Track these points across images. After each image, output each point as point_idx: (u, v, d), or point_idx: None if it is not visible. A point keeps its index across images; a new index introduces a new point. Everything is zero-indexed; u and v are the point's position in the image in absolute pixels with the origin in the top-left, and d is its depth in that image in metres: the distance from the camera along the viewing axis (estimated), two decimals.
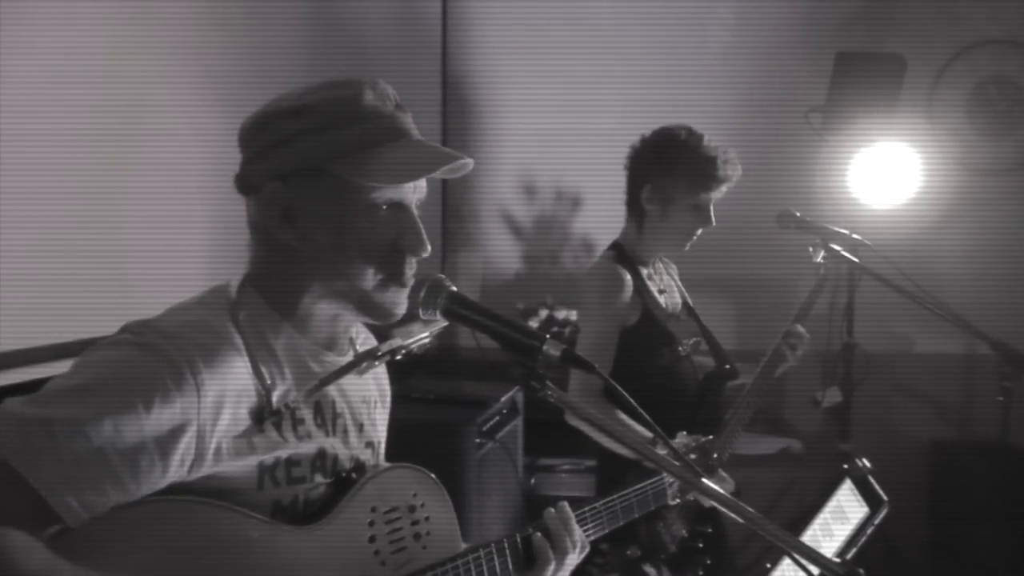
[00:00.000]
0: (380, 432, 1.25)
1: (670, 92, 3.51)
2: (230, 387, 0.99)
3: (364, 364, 1.09)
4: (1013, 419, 2.10)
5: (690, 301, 2.29)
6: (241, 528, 0.99)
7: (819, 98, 3.28)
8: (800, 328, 2.19)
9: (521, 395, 2.81)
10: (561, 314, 3.29)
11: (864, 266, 2.18)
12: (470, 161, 1.08)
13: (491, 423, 2.57)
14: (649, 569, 1.74)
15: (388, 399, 1.30)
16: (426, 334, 1.10)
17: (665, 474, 1.42)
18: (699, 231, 2.11)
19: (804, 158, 3.30)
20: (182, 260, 2.05)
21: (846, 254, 2.19)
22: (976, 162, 3.53)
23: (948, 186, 3.33)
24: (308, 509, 1.07)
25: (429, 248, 1.08)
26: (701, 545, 1.76)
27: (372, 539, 1.10)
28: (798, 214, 2.25)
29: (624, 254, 2.15)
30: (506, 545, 1.19)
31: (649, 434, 1.59)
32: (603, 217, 3.63)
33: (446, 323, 1.10)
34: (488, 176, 3.66)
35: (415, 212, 1.09)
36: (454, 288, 1.07)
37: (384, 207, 1.06)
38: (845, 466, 1.34)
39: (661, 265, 2.26)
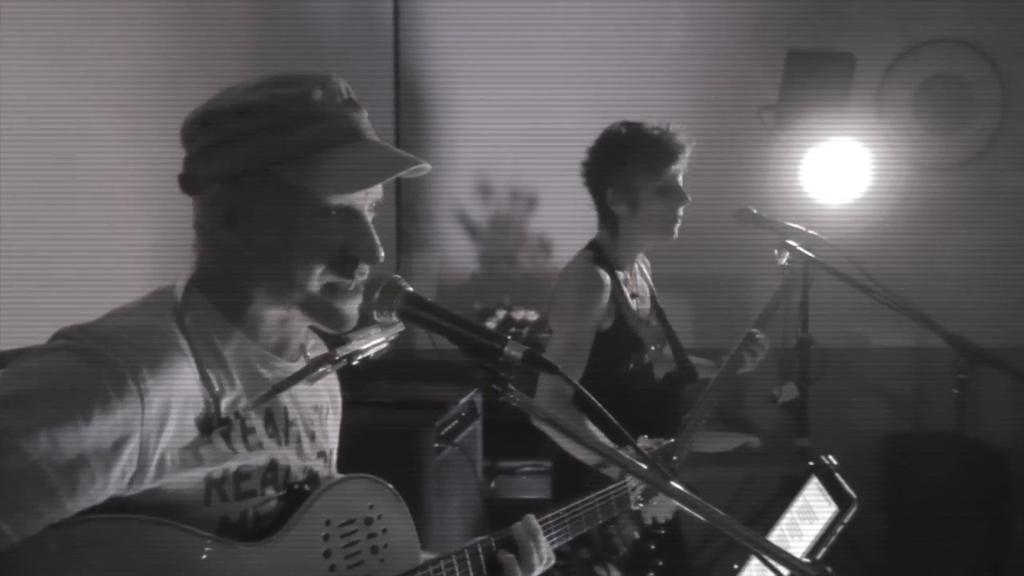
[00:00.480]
0: (332, 441, 1.20)
1: (624, 91, 3.50)
2: (176, 394, 0.93)
3: (320, 370, 1.04)
4: (968, 412, 2.12)
5: (659, 301, 2.27)
6: (187, 547, 0.93)
7: (772, 96, 3.30)
8: (761, 335, 2.18)
9: (480, 397, 2.77)
10: (519, 314, 3.25)
11: (823, 262, 2.18)
12: (426, 165, 1.03)
13: (450, 427, 2.52)
14: (600, 571, 1.72)
15: (339, 406, 1.25)
16: (383, 339, 1.05)
17: (628, 478, 1.40)
18: (680, 211, 2.05)
19: (757, 156, 3.32)
20: (122, 261, 1.98)
21: (803, 250, 2.20)
22: (924, 159, 3.59)
23: (898, 183, 3.38)
24: (259, 524, 1.01)
25: (382, 254, 1.04)
26: (653, 547, 1.74)
27: (327, 554, 1.05)
28: (756, 211, 2.26)
29: (602, 255, 2.09)
30: (467, 556, 1.15)
31: (610, 441, 1.58)
32: (560, 216, 3.63)
33: (403, 327, 1.05)
34: (443, 176, 3.61)
35: (367, 217, 1.04)
36: (410, 289, 1.02)
37: (334, 212, 1.01)
38: (811, 463, 1.33)
39: (636, 267, 2.21)
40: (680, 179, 2.06)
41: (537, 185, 3.63)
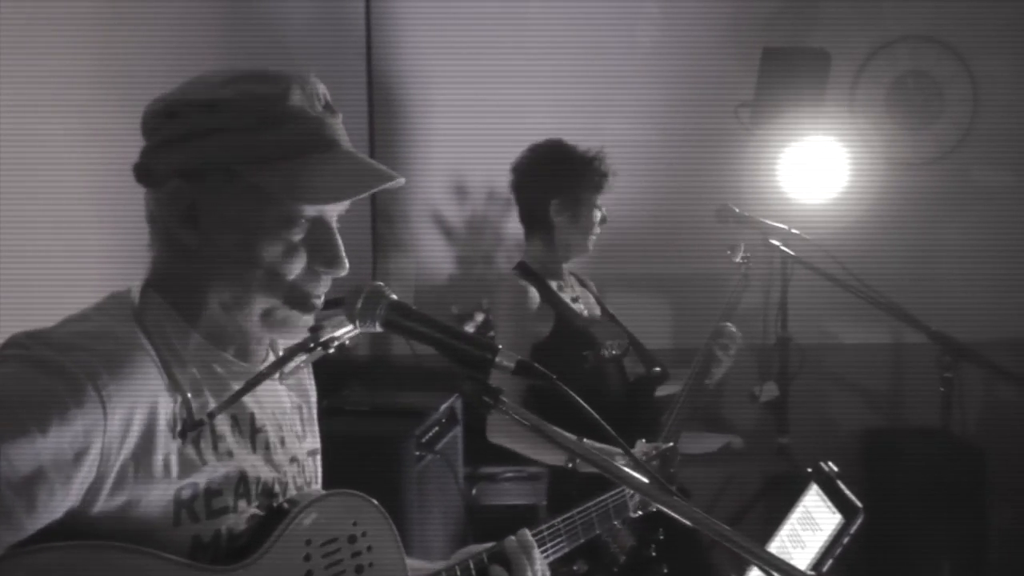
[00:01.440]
0: (310, 442, 1.14)
1: (599, 91, 3.49)
2: (141, 401, 0.88)
3: (294, 362, 0.99)
4: (954, 408, 2.12)
5: (610, 310, 2.30)
6: (158, 574, 0.87)
7: (747, 95, 3.29)
8: (730, 327, 2.16)
9: (460, 403, 2.72)
10: None
11: (805, 261, 2.17)
12: (402, 180, 0.99)
13: (430, 434, 2.47)
14: None
15: (313, 396, 1.18)
16: (355, 329, 0.99)
17: (625, 487, 1.35)
18: (598, 229, 2.20)
19: (734, 155, 3.31)
20: (80, 261, 1.91)
21: (785, 249, 2.19)
22: (898, 155, 3.61)
23: (874, 180, 3.39)
24: (233, 543, 0.96)
25: (347, 266, 0.99)
26: (654, 553, 1.71)
27: (308, 575, 0.99)
28: (737, 210, 2.25)
29: (529, 270, 2.19)
30: (457, 572, 1.11)
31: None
32: None
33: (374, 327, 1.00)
34: (418, 176, 3.56)
35: (334, 227, 0.99)
36: (394, 297, 0.97)
37: (302, 220, 0.96)
38: (809, 470, 1.30)
39: (572, 278, 2.29)
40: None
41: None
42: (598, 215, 2.17)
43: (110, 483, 0.86)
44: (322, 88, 0.99)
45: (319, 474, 1.15)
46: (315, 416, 1.18)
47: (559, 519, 1.26)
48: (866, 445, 3.54)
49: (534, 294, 2.11)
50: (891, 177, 3.51)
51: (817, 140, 3.19)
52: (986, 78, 3.62)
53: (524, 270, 2.19)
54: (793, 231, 2.22)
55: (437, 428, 2.54)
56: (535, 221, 2.18)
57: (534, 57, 3.48)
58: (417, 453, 2.34)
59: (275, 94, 0.95)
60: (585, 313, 2.20)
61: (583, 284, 2.33)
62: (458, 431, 2.71)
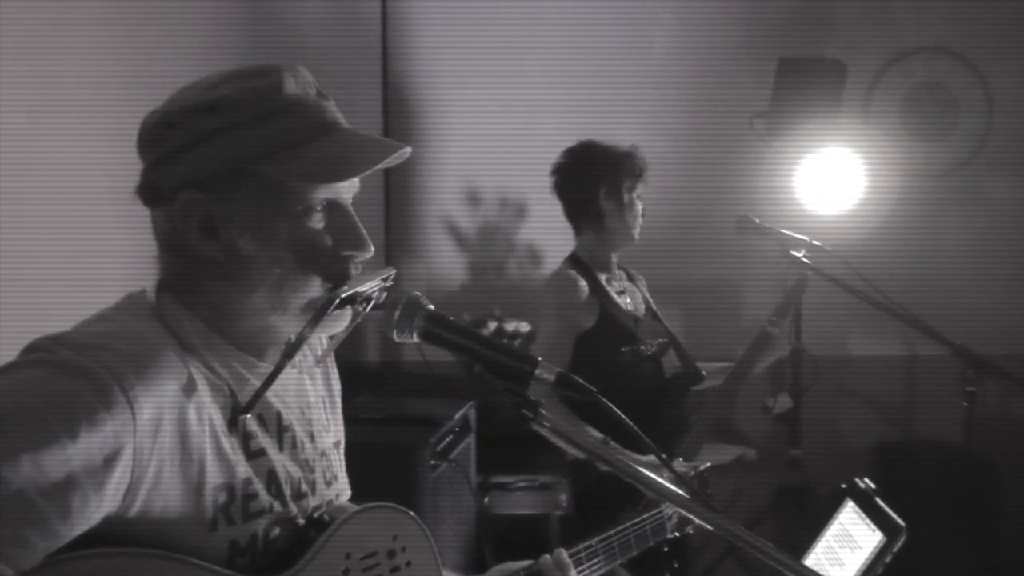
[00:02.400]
0: (335, 433, 1.13)
1: (613, 93, 3.48)
2: (169, 398, 0.87)
3: (327, 315, 0.94)
4: (975, 424, 2.10)
5: (655, 308, 2.37)
6: None
7: (760, 100, 3.28)
8: (776, 330, 2.25)
9: (473, 411, 2.71)
10: (511, 326, 3.19)
11: (826, 272, 2.15)
12: (408, 149, 0.97)
13: (444, 442, 2.46)
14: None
15: (337, 387, 1.17)
16: (378, 280, 0.98)
17: (665, 506, 1.34)
18: (640, 219, 2.30)
19: (748, 161, 3.30)
20: (97, 261, 1.90)
21: (806, 260, 2.17)
22: (914, 166, 3.60)
23: (890, 191, 3.37)
24: (270, 548, 0.95)
25: (372, 247, 0.98)
26: (667, 549, 1.70)
27: None
28: (757, 220, 2.24)
29: (580, 262, 2.29)
30: None
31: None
32: (549, 226, 3.58)
33: (395, 271, 1.00)
34: (431, 177, 3.55)
35: (351, 209, 0.98)
36: (432, 307, 0.96)
37: (319, 207, 0.95)
38: (844, 486, 1.28)
39: (622, 272, 2.37)
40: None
41: (526, 188, 3.58)
42: (640, 206, 2.27)
43: (147, 484, 0.85)
44: (310, 75, 0.98)
45: (343, 464, 1.14)
46: (339, 406, 1.17)
47: (597, 539, 1.25)
48: (879, 459, 3.51)
49: (583, 285, 2.20)
50: (907, 188, 3.50)
51: (833, 151, 3.18)
52: (1001, 89, 3.61)
53: (575, 261, 2.29)
54: (814, 242, 2.20)
55: (451, 436, 2.52)
56: (584, 213, 2.29)
57: (549, 58, 3.47)
58: (432, 461, 2.32)
59: (270, 85, 0.94)
60: (630, 308, 2.29)
61: (631, 279, 2.42)
62: (471, 440, 2.69)
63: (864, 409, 3.67)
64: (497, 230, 3.60)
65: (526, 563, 1.17)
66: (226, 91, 0.93)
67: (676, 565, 1.82)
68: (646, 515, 1.34)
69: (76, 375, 0.82)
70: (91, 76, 1.99)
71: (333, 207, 0.97)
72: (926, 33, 3.58)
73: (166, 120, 0.94)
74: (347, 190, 0.98)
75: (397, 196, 3.54)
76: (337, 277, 0.96)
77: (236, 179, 0.92)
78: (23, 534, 0.77)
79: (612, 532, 1.28)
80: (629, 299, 2.32)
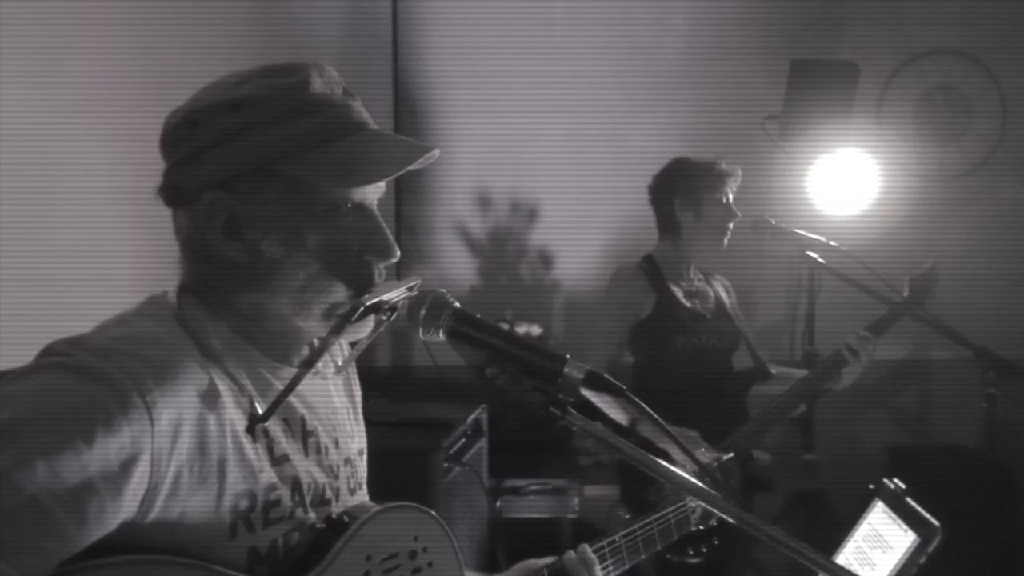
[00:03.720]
0: (359, 440, 1.12)
1: (625, 94, 3.47)
2: (188, 404, 0.85)
3: (349, 323, 0.92)
4: (999, 427, 2.08)
5: (731, 310, 2.48)
6: None
7: (773, 102, 3.27)
8: (860, 345, 2.18)
9: (485, 415, 2.69)
10: (523, 329, 3.18)
11: (843, 274, 2.13)
12: (436, 151, 0.95)
13: (457, 446, 2.44)
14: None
15: (359, 395, 1.15)
16: (403, 288, 0.95)
17: (689, 499, 1.33)
18: (731, 224, 2.34)
19: (762, 164, 3.28)
20: (113, 260, 1.90)
21: (822, 261, 2.16)
22: (927, 169, 3.58)
23: (903, 193, 3.35)
24: (290, 555, 0.93)
25: (398, 252, 0.96)
26: (702, 528, 1.70)
27: None
28: (773, 221, 2.23)
29: (651, 261, 2.43)
30: None
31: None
32: (560, 229, 3.58)
33: (419, 279, 0.97)
34: (442, 178, 3.54)
35: (377, 212, 0.96)
36: (458, 305, 0.94)
37: (346, 208, 0.93)
38: (872, 487, 1.26)
39: (702, 277, 2.50)
40: (731, 198, 2.37)
41: (537, 190, 3.58)
42: (723, 212, 2.34)
43: (165, 491, 0.83)
44: (337, 74, 0.96)
45: (365, 473, 1.13)
46: (361, 414, 1.15)
47: (620, 534, 1.23)
48: (893, 462, 3.48)
49: (639, 278, 2.38)
50: (921, 190, 3.48)
51: (846, 153, 3.17)
52: (1015, 91, 3.59)
53: (646, 260, 2.44)
54: (831, 243, 2.19)
55: (464, 440, 2.51)
56: (664, 222, 2.43)
57: (559, 58, 3.47)
58: (445, 465, 2.31)
59: (296, 83, 0.92)
60: (690, 305, 2.39)
61: (709, 282, 2.51)
62: (483, 443, 2.68)
63: (879, 412, 3.64)
64: (508, 233, 3.59)
65: (549, 559, 1.15)
66: (251, 89, 0.91)
67: (716, 541, 1.82)
68: (670, 508, 1.32)
69: (94, 380, 0.81)
70: (106, 76, 1.99)
71: (359, 210, 0.94)
72: (940, 35, 3.56)
73: (190, 119, 0.92)
74: (373, 192, 0.96)
75: (408, 198, 3.53)
76: (362, 283, 0.94)
77: (261, 179, 0.90)
78: (38, 540, 0.75)
79: (636, 527, 1.26)
80: (697, 301, 2.42)
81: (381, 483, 1.18)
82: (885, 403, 3.65)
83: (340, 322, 0.92)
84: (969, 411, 2.35)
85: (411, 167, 0.94)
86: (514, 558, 1.26)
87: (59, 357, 0.83)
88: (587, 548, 1.17)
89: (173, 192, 0.93)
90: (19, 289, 1.71)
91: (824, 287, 3.22)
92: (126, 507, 0.81)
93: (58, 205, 1.84)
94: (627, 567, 1.24)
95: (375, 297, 0.92)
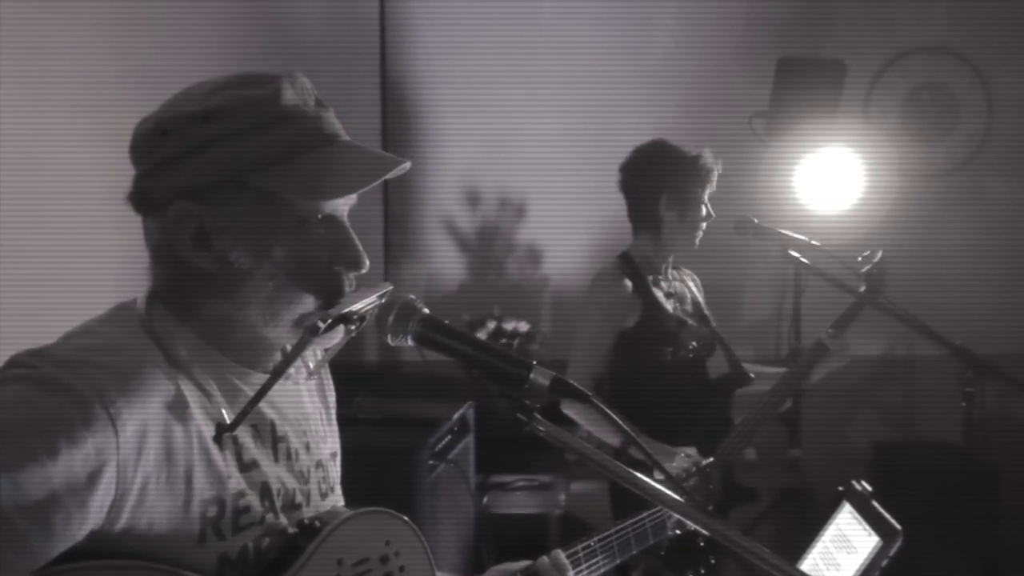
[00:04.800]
0: (332, 444, 1.12)
1: (612, 93, 3.48)
2: (154, 413, 0.84)
3: (310, 345, 0.93)
4: (976, 424, 2.10)
5: (706, 311, 2.38)
6: None
7: (760, 101, 3.28)
8: (833, 342, 2.18)
9: (472, 412, 2.71)
10: (510, 325, 3.19)
11: (825, 272, 2.15)
12: (408, 164, 0.96)
13: (443, 443, 2.46)
14: (654, 565, 1.67)
15: (332, 399, 1.15)
16: (373, 297, 0.95)
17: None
18: (704, 225, 2.27)
19: (748, 162, 3.29)
20: (96, 261, 1.90)
21: (804, 260, 2.17)
22: (913, 166, 3.59)
23: (889, 191, 3.37)
24: (261, 560, 0.93)
25: (367, 263, 0.96)
26: (703, 543, 1.70)
27: None
28: (756, 220, 2.23)
29: (630, 261, 2.29)
30: None
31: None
32: (548, 226, 3.58)
33: (391, 286, 0.97)
34: (430, 178, 3.55)
35: (347, 223, 0.96)
36: (426, 311, 0.95)
37: (315, 222, 0.93)
38: (841, 488, 1.27)
39: (675, 273, 2.39)
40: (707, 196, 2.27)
41: (525, 189, 3.59)
42: (704, 211, 2.24)
43: (132, 500, 0.83)
44: (309, 83, 0.96)
45: (338, 476, 1.13)
46: (334, 417, 1.15)
47: (595, 538, 1.24)
48: (878, 459, 3.51)
49: (627, 284, 2.22)
50: (906, 188, 3.49)
51: (832, 151, 3.18)
52: (1002, 90, 3.60)
53: (625, 260, 2.29)
54: (813, 242, 2.20)
55: (450, 437, 2.52)
56: (644, 217, 2.28)
57: (546, 58, 3.47)
58: (430, 462, 2.32)
59: (268, 95, 0.92)
60: (676, 311, 2.28)
61: (683, 281, 2.41)
62: (470, 440, 2.69)
63: (863, 409, 3.66)
64: (496, 231, 3.60)
65: (524, 564, 1.16)
66: (222, 100, 0.91)
67: (712, 561, 1.82)
68: (645, 513, 1.32)
69: (57, 391, 0.80)
70: (88, 76, 1.99)
71: (329, 221, 0.95)
72: (926, 33, 3.57)
73: (160, 127, 0.91)
74: (344, 204, 0.96)
75: (396, 196, 3.54)
76: (331, 293, 0.94)
77: (231, 190, 0.90)
78: (2, 554, 0.75)
79: (611, 531, 1.26)
80: (677, 302, 2.31)
81: (366, 481, 1.19)
82: (870, 400, 3.68)
83: (307, 335, 0.93)
84: (953, 408, 2.37)
85: (381, 180, 0.95)
86: (500, 554, 1.26)
87: (22, 369, 0.83)
88: (560, 553, 1.17)
89: (142, 199, 0.93)
90: (7, 289, 1.70)
91: (810, 285, 3.24)
92: (92, 518, 0.81)
93: (38, 205, 1.84)
94: (603, 571, 1.24)
95: (344, 308, 0.93)
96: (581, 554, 1.21)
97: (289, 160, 0.91)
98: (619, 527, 1.28)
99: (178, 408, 0.88)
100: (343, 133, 0.97)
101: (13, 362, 0.85)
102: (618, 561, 1.27)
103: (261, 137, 0.90)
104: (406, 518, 1.06)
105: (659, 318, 2.23)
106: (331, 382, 1.16)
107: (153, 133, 0.92)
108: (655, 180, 2.23)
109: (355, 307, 0.94)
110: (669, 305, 2.28)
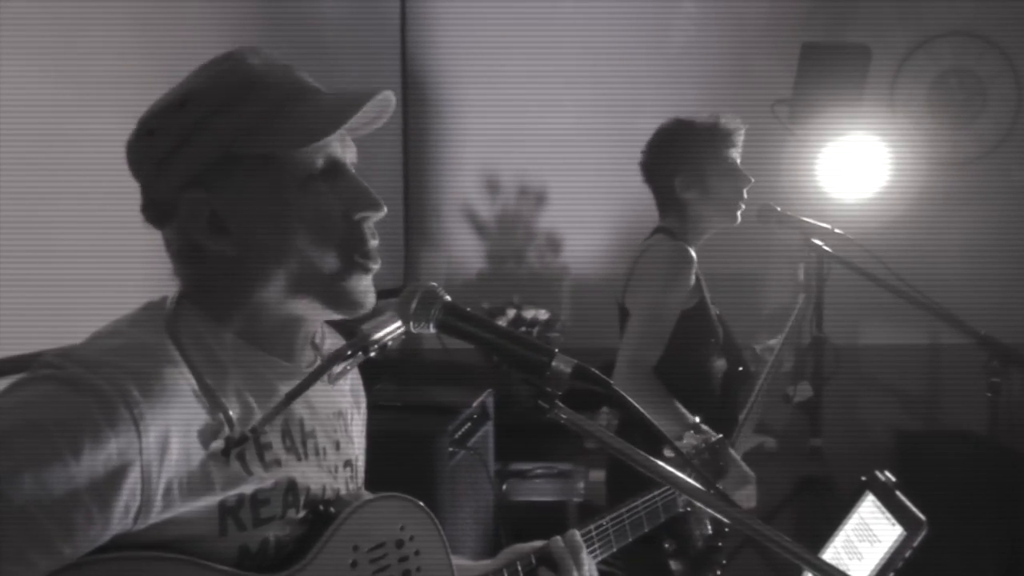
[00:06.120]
0: (358, 446, 1.12)
1: (632, 91, 3.45)
2: (175, 416, 0.85)
3: (336, 368, 0.95)
4: (1002, 414, 2.07)
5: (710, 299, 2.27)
6: None
7: (784, 87, 3.24)
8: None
9: (492, 399, 2.71)
10: (529, 313, 3.19)
11: (848, 260, 2.13)
12: (390, 92, 0.94)
13: (463, 430, 2.46)
14: (676, 566, 1.68)
15: (363, 404, 1.16)
16: (399, 324, 0.96)
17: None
18: (744, 192, 2.08)
19: (771, 150, 3.26)
20: (124, 261, 1.91)
21: (827, 248, 2.15)
22: (938, 154, 3.54)
23: (914, 178, 3.33)
24: (280, 551, 0.94)
25: (384, 206, 0.95)
26: (720, 543, 1.70)
27: None
28: (779, 209, 2.21)
29: (677, 237, 2.10)
30: (505, 575, 1.11)
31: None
32: (568, 214, 3.58)
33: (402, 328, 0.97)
34: (450, 176, 3.55)
35: (352, 170, 0.96)
36: (448, 298, 0.95)
37: (319, 172, 0.92)
38: (864, 479, 1.26)
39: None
40: (738, 159, 2.10)
41: (545, 177, 3.58)
42: (735, 180, 2.06)
43: (158, 505, 0.83)
44: (273, 52, 0.96)
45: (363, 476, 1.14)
46: (364, 420, 1.16)
47: (607, 518, 1.24)
48: (900, 448, 3.48)
49: (695, 261, 2.04)
50: (931, 175, 3.45)
51: (856, 137, 3.14)
52: None
53: (671, 235, 2.10)
54: (836, 230, 2.17)
55: (469, 424, 2.53)
56: (666, 200, 2.14)
57: (567, 57, 3.46)
58: (450, 449, 2.33)
59: (234, 67, 0.93)
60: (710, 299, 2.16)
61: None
62: (489, 427, 2.70)
63: (886, 398, 3.63)
64: (516, 219, 3.60)
65: (538, 543, 1.16)
66: (192, 84, 0.93)
67: (724, 561, 1.81)
68: (656, 491, 1.32)
69: (83, 392, 0.81)
70: (112, 76, 2.00)
71: (334, 171, 0.94)
72: (954, 16, 3.51)
73: (145, 129, 0.93)
74: (342, 152, 0.96)
75: (416, 188, 3.54)
76: (354, 244, 0.94)
77: (228, 166, 0.91)
78: (24, 551, 0.76)
79: (623, 510, 1.26)
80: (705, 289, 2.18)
81: (385, 467, 1.20)
82: (894, 388, 3.64)
83: (332, 359, 0.96)
84: (978, 397, 2.34)
85: (366, 110, 0.93)
86: (519, 541, 1.27)
87: (51, 369, 0.84)
88: (575, 532, 1.18)
89: (155, 207, 0.94)
90: (28, 289, 1.72)
91: (832, 273, 3.21)
92: (115, 521, 0.81)
93: (66, 205, 1.85)
94: (614, 550, 1.24)
95: (369, 337, 0.95)
96: (594, 533, 1.21)
97: (270, 119, 0.91)
98: (631, 506, 1.28)
99: (196, 411, 0.88)
100: (315, 84, 0.96)
101: (41, 362, 0.85)
102: (629, 539, 1.27)
103: (237, 106, 0.91)
104: (420, 503, 1.06)
105: (708, 306, 2.08)
106: (362, 385, 1.16)
107: (140, 136, 0.94)
108: (664, 158, 2.11)
109: (380, 334, 0.96)
110: (708, 292, 2.15)
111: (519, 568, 1.11)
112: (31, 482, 0.76)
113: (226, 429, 0.88)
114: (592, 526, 1.22)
